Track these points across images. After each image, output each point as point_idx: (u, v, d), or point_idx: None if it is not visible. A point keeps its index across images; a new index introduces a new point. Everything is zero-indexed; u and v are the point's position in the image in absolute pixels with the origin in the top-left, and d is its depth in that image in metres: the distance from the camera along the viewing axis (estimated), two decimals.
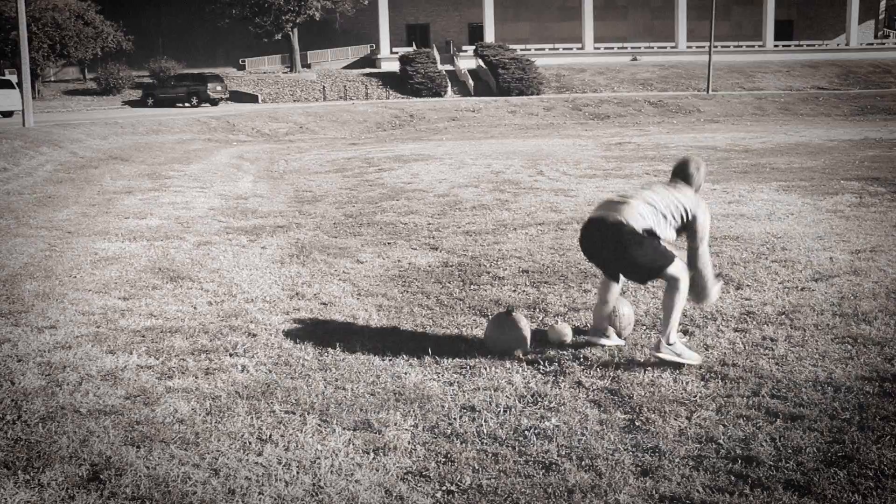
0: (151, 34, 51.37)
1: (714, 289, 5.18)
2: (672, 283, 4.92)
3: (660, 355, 4.85)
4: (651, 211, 4.94)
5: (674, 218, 4.97)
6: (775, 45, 56.82)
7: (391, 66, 49.47)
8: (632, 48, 55.48)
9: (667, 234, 4.98)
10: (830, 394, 4.36)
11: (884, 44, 58.94)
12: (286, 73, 49.81)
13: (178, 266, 7.69)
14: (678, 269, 4.93)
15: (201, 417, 4.18)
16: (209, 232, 9.61)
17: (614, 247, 4.94)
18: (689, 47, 54.92)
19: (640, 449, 3.80)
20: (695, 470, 3.58)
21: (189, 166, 17.74)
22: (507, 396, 4.44)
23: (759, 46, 56.76)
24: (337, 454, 3.77)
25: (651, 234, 4.91)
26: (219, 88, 41.72)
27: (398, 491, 3.45)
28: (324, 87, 45.88)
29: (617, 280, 5.30)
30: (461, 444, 3.89)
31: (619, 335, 5.38)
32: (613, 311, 5.39)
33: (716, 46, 47.15)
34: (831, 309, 5.88)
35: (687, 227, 5.02)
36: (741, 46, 56.93)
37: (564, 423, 4.08)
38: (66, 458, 3.69)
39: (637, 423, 4.07)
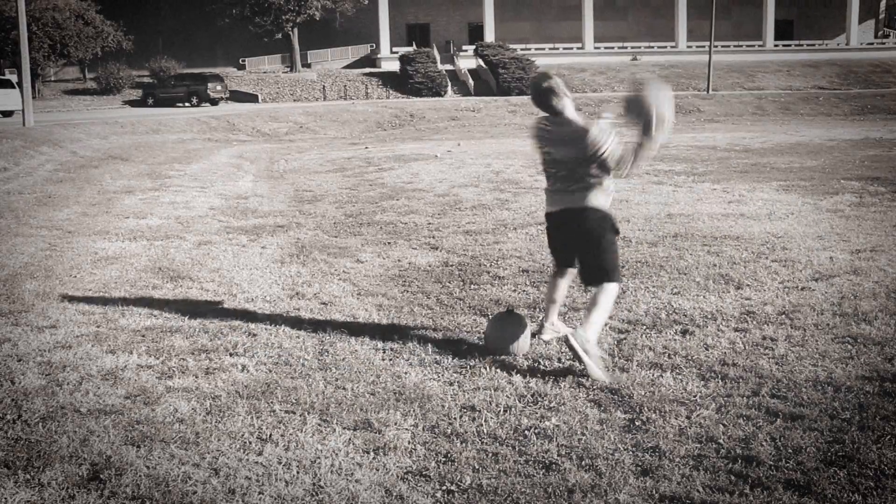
0: (151, 34, 51.34)
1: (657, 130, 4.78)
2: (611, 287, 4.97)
3: (571, 342, 4.63)
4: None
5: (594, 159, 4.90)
6: (775, 45, 56.83)
7: (391, 65, 49.49)
8: (632, 48, 55.49)
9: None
10: (830, 393, 4.35)
11: (884, 43, 58.95)
12: (286, 72, 49.83)
13: (178, 266, 7.69)
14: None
15: (201, 417, 4.18)
16: (209, 231, 9.61)
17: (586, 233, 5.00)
18: (689, 47, 54.93)
19: (640, 448, 3.80)
20: (695, 469, 3.58)
21: (189, 166, 17.74)
22: (507, 396, 4.44)
23: (760, 46, 56.76)
24: (337, 454, 3.77)
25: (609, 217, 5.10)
26: (219, 88, 41.73)
27: (398, 490, 3.45)
28: (324, 86, 45.88)
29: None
30: (461, 443, 3.88)
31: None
32: None
33: (716, 46, 47.13)
34: (831, 309, 5.88)
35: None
36: (741, 46, 56.93)
37: (564, 423, 4.08)
38: (66, 458, 3.69)
39: (637, 423, 4.07)
